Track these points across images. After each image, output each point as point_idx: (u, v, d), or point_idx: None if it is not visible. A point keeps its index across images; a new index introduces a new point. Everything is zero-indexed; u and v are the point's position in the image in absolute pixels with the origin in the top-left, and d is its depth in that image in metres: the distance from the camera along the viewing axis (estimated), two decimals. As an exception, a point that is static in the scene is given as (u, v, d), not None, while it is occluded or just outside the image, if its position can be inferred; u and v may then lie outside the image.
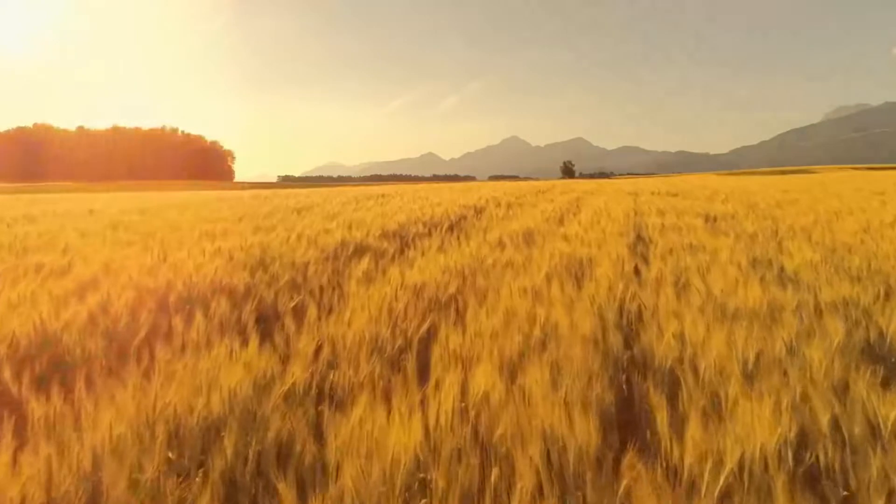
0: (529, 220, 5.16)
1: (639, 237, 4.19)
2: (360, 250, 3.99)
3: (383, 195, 9.95)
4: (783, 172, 72.30)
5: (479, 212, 6.77)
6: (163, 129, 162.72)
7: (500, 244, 3.88)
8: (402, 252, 3.81)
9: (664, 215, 5.70)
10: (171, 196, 14.50)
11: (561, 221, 5.29)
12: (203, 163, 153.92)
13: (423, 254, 3.68)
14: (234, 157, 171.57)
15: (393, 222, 5.11)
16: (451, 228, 5.20)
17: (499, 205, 7.53)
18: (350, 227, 4.80)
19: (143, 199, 12.02)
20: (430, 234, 4.82)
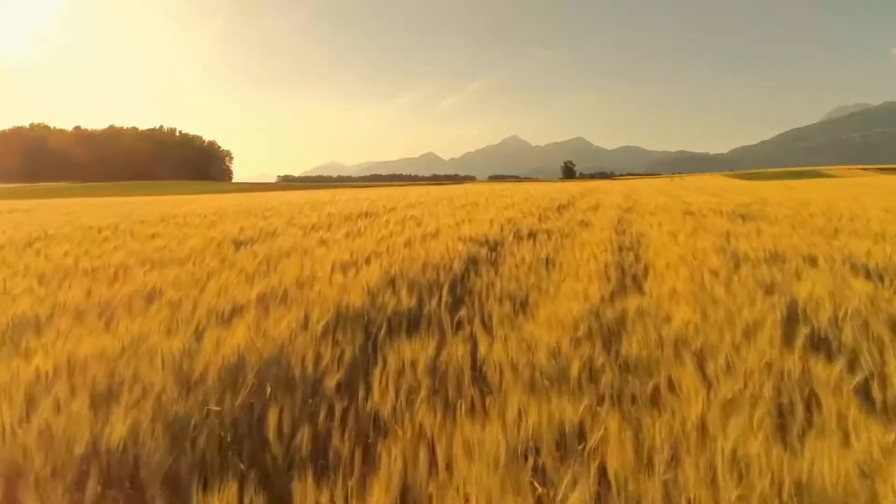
0: (585, 280, 3.12)
1: (817, 343, 2.13)
2: (272, 382, 1.95)
3: (366, 215, 7.89)
4: (793, 175, 70.09)
5: (493, 249, 4.72)
6: (160, 129, 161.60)
7: (562, 373, 1.85)
8: (353, 396, 1.78)
9: (785, 264, 3.67)
10: (117, 209, 12.46)
11: (637, 283, 3.24)
12: (201, 163, 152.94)
13: (400, 431, 1.64)
14: (232, 157, 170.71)
15: (359, 285, 3.06)
16: (455, 297, 3.15)
17: (520, 236, 5.47)
18: (284, 300, 2.78)
19: (79, 216, 9.95)
20: (418, 317, 2.77)
